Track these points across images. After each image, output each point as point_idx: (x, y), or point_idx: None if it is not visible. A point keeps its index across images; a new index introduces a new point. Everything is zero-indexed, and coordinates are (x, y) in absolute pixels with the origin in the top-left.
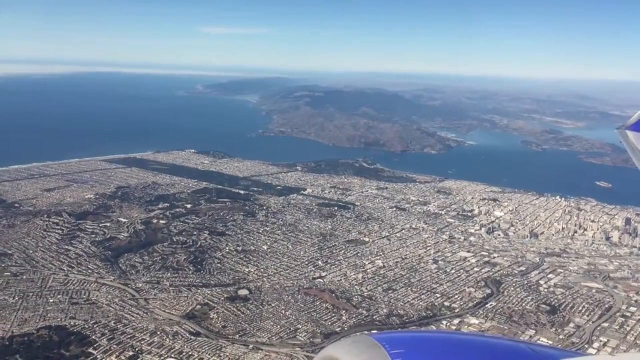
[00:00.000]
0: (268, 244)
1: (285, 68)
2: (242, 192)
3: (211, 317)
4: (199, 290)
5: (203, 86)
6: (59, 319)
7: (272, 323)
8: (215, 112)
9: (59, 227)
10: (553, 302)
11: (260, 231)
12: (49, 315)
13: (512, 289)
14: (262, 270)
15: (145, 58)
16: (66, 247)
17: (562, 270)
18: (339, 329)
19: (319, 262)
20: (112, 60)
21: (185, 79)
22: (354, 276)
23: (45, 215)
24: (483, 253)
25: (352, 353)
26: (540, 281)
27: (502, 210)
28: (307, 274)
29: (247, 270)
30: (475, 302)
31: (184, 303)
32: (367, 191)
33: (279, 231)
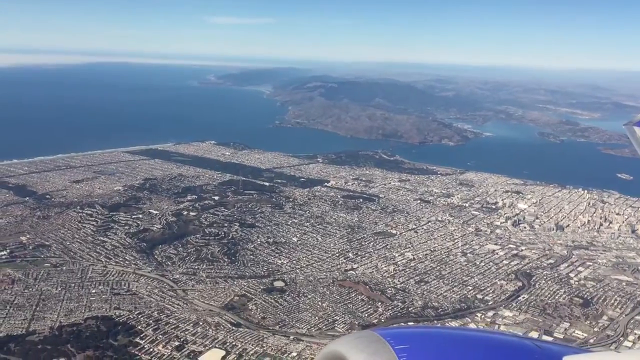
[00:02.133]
0: (298, 235)
1: (293, 58)
2: (267, 184)
3: (250, 308)
4: (235, 282)
5: (215, 77)
6: (104, 310)
7: (310, 315)
8: (230, 103)
9: (93, 219)
10: (585, 295)
11: (289, 223)
12: (93, 305)
13: (544, 281)
14: (294, 262)
15: (154, 48)
16: (102, 238)
17: (591, 263)
18: (376, 320)
19: (350, 254)
20: (121, 51)
21: (197, 70)
22: (385, 268)
23: (78, 207)
24: (511, 246)
25: (357, 348)
26: (570, 274)
27: (526, 202)
28: (339, 266)
29: (279, 262)
30: (507, 294)
31: (221, 294)
32: (389, 183)
33: (307, 223)
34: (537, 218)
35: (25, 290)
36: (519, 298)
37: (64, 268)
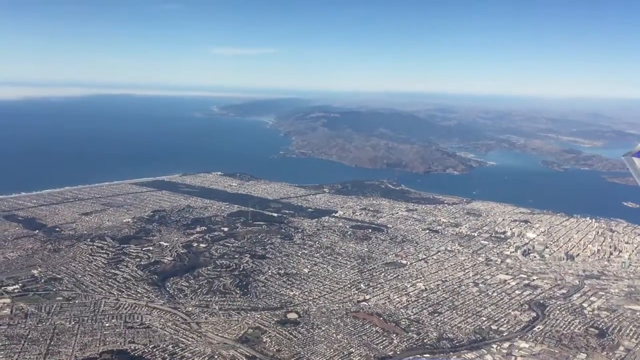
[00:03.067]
0: (308, 267)
1: (294, 88)
2: (275, 214)
3: (264, 340)
4: (248, 314)
5: (218, 107)
6: (118, 343)
7: (325, 347)
8: (234, 133)
9: (103, 252)
10: (600, 325)
11: (299, 254)
12: (108, 339)
13: (558, 312)
14: (306, 293)
15: (156, 80)
16: (113, 271)
17: (603, 293)
18: (392, 352)
19: (362, 285)
20: (124, 83)
21: (200, 101)
22: (398, 299)
23: (89, 240)
24: (522, 275)
25: None
26: (583, 304)
27: (534, 231)
28: (351, 297)
29: (291, 293)
30: (522, 325)
31: (235, 327)
32: (397, 213)
33: (317, 254)
34: (546, 247)
35: (39, 324)
36: (534, 329)
37: (77, 301)
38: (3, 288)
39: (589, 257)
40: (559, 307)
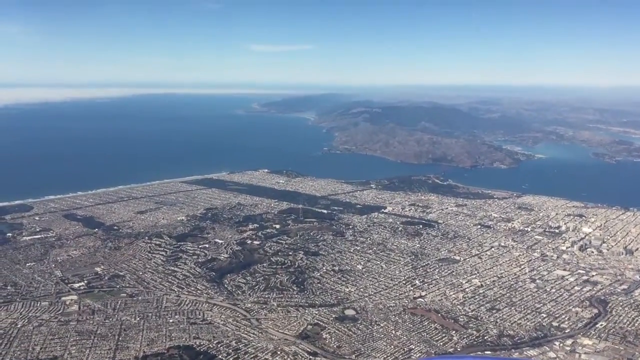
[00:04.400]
0: (362, 263)
1: (333, 83)
2: (325, 211)
3: (324, 337)
4: (306, 311)
5: (259, 105)
6: (184, 339)
7: (384, 343)
8: (277, 130)
9: (162, 249)
10: None
11: (352, 250)
12: (173, 335)
13: (620, 308)
14: (361, 290)
15: (197, 78)
16: (172, 268)
17: None
18: (452, 349)
19: (417, 282)
20: (166, 82)
21: (241, 98)
22: (454, 295)
23: (147, 238)
24: (580, 271)
25: None
26: None
27: (590, 226)
28: (407, 294)
29: (347, 290)
30: (584, 322)
31: (294, 323)
32: (446, 208)
33: (370, 250)
34: (604, 242)
35: (106, 321)
36: (597, 325)
37: (140, 298)
38: (70, 285)
39: None
40: (621, 303)
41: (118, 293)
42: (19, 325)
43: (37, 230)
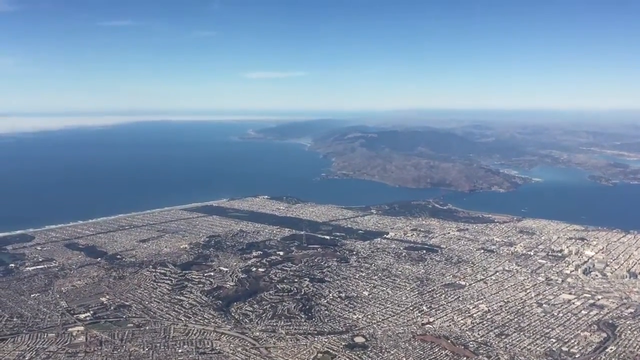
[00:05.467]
0: (368, 289)
1: (327, 109)
2: (327, 237)
3: None
4: (315, 338)
5: (254, 131)
6: None
7: None
8: (274, 156)
9: (167, 278)
10: None
11: (357, 277)
12: None
13: (629, 332)
14: (369, 316)
15: (192, 105)
16: (178, 297)
17: None
18: None
19: (424, 307)
20: (161, 109)
21: (236, 125)
22: (462, 321)
23: (151, 266)
24: (586, 295)
25: None
26: None
27: (592, 249)
28: (415, 320)
29: (355, 317)
30: (593, 346)
31: (304, 351)
32: (448, 233)
33: (375, 276)
34: (607, 265)
35: (115, 351)
36: (607, 350)
37: (147, 328)
38: (75, 316)
39: None
40: (629, 327)
41: (125, 323)
42: (26, 358)
43: (40, 260)
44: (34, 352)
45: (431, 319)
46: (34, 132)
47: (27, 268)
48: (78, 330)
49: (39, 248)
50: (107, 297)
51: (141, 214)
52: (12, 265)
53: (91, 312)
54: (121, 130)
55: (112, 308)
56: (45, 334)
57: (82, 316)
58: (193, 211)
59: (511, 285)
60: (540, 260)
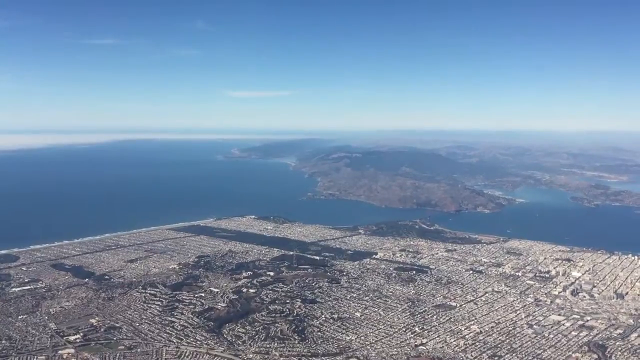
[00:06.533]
0: (360, 310)
1: (311, 128)
2: (317, 257)
3: None
4: None
5: (239, 150)
6: None
7: None
8: (259, 176)
9: (157, 299)
10: None
11: (348, 298)
12: None
13: (619, 353)
14: (362, 338)
15: (175, 124)
16: (169, 318)
17: None
18: None
19: (416, 329)
20: (145, 127)
21: (220, 144)
22: (454, 342)
23: (140, 287)
24: (575, 316)
25: None
26: None
27: (579, 270)
28: (408, 341)
29: (348, 338)
30: None
31: None
32: (437, 253)
33: (367, 297)
34: (594, 286)
35: None
36: None
37: (139, 350)
38: (65, 338)
39: (638, 295)
40: (619, 348)
41: (116, 345)
42: None
43: (26, 281)
44: None
45: (424, 340)
46: (13, 150)
47: (14, 289)
48: (68, 353)
49: (24, 268)
50: (97, 318)
51: (127, 234)
52: None
53: (81, 334)
54: (104, 149)
55: (102, 330)
56: (35, 357)
57: (72, 338)
58: (180, 231)
59: (501, 306)
60: (528, 281)
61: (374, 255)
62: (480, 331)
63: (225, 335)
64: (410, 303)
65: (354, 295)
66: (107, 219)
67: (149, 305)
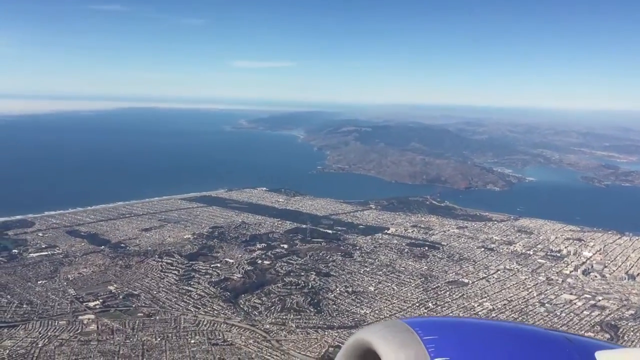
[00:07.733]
0: (373, 285)
1: (316, 101)
2: (329, 231)
3: None
4: (325, 332)
5: (246, 121)
6: None
7: None
8: (267, 147)
9: (174, 268)
10: None
11: (362, 272)
12: (197, 356)
13: (632, 333)
14: (377, 312)
15: (180, 93)
16: (186, 287)
17: None
18: None
19: (430, 304)
20: (149, 96)
21: (226, 114)
22: None
23: (157, 256)
24: (586, 295)
25: (386, 338)
26: None
27: (589, 250)
28: (422, 316)
29: (362, 311)
30: None
31: (316, 345)
32: (448, 230)
33: (380, 272)
34: (605, 267)
35: (127, 341)
36: None
37: (157, 317)
38: (85, 304)
39: None
40: (632, 329)
41: (134, 312)
42: (39, 345)
43: (43, 247)
44: (46, 339)
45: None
46: (19, 115)
47: (31, 254)
48: (89, 318)
49: (40, 234)
50: (115, 285)
51: (140, 203)
52: (16, 251)
53: (100, 300)
54: (110, 116)
55: (120, 297)
56: (56, 321)
57: (91, 304)
58: (192, 201)
59: (513, 284)
60: (539, 260)
61: (386, 231)
62: (493, 308)
63: (241, 306)
64: (423, 279)
65: (367, 270)
66: (119, 187)
67: (166, 274)
